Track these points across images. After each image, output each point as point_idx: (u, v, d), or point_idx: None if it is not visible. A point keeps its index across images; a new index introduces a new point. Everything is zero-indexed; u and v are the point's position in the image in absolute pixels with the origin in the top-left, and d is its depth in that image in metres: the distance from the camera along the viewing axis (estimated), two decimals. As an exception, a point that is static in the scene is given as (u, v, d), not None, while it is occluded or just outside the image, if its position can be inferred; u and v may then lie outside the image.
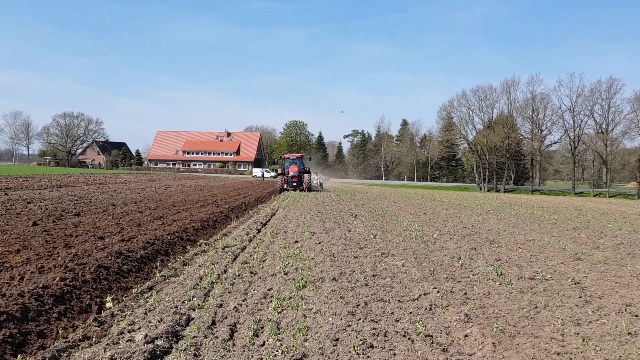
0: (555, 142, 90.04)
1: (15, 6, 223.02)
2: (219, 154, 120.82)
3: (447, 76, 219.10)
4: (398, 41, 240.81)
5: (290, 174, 38.56)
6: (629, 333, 5.93)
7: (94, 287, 7.36)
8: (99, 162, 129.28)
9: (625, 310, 6.96)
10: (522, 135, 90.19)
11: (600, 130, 78.08)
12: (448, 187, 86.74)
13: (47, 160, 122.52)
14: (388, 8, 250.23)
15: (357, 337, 5.39)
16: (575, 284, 8.67)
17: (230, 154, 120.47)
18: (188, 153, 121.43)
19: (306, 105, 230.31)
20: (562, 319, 6.46)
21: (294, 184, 38.45)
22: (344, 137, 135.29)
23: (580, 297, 7.72)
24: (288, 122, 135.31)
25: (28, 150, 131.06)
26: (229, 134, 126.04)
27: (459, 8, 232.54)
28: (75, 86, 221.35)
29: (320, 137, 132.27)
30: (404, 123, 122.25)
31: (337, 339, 5.36)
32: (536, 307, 7.06)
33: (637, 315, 6.71)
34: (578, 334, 5.92)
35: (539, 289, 8.16)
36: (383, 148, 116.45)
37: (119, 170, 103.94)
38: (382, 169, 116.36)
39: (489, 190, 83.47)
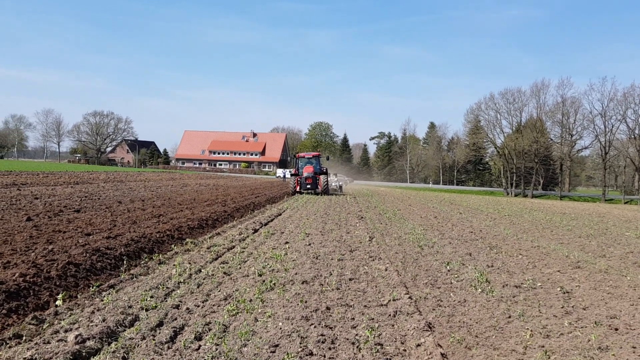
0: (585, 148, 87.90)
1: (51, 6, 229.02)
2: (244, 154, 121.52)
3: (476, 79, 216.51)
4: (427, 43, 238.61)
5: (305, 174, 34.32)
6: (599, 348, 5.52)
7: (57, 284, 7.24)
8: (128, 161, 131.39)
9: (607, 322, 6.53)
10: (551, 139, 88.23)
11: (632, 136, 75.87)
12: (474, 192, 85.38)
13: (78, 158, 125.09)
14: (418, 10, 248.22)
15: (299, 344, 5.12)
16: (564, 293, 8.22)
17: (256, 155, 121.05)
18: (214, 153, 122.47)
19: (332, 107, 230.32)
20: (532, 331, 6.07)
21: (308, 186, 34.17)
22: (370, 139, 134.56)
23: (562, 307, 7.29)
24: (313, 123, 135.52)
25: (59, 148, 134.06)
26: (254, 135, 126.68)
27: (492, 10, 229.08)
28: (108, 86, 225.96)
29: (345, 139, 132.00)
30: (432, 126, 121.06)
31: (276, 345, 5.10)
32: (509, 317, 6.67)
33: (616, 329, 6.27)
34: (543, 346, 5.53)
35: (521, 297, 7.75)
36: (409, 151, 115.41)
37: (146, 168, 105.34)
38: (407, 172, 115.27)
39: (516, 195, 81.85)
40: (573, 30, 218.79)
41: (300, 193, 34.31)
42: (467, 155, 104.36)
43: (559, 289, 8.45)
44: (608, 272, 10.27)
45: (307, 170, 34.58)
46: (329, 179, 40.74)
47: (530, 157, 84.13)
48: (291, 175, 38.09)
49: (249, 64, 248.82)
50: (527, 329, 6.14)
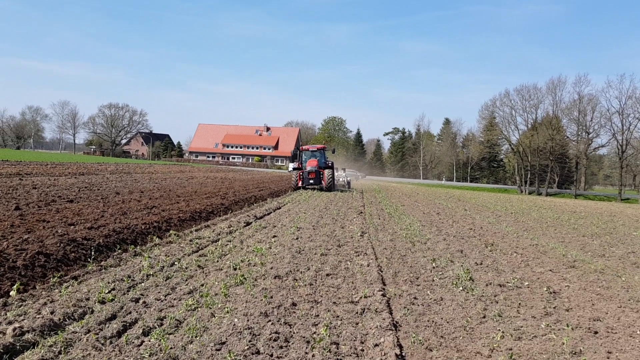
0: (602, 146, 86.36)
1: None
2: (257, 148, 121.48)
3: (493, 75, 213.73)
4: (446, 38, 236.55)
5: (308, 168, 31.52)
6: (572, 352, 5.20)
7: (23, 274, 7.06)
8: (142, 153, 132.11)
9: (587, 325, 6.19)
10: (567, 137, 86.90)
11: (650, 134, 74.37)
12: (487, 189, 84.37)
13: (93, 150, 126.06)
14: (438, 5, 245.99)
15: (248, 342, 4.87)
16: (550, 293, 7.87)
17: (269, 149, 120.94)
18: (227, 146, 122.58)
19: (347, 102, 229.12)
20: (504, 332, 5.75)
21: (311, 181, 31.32)
22: (384, 135, 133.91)
23: (544, 307, 6.96)
24: (327, 117, 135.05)
25: (74, 139, 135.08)
26: (268, 129, 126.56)
27: (512, 5, 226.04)
28: (124, 78, 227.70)
29: (359, 134, 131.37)
30: (446, 122, 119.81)
31: (223, 343, 4.85)
32: (484, 317, 6.36)
33: (595, 332, 5.94)
34: (511, 349, 5.22)
35: (502, 297, 7.42)
36: (422, 147, 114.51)
37: (159, 161, 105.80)
38: (421, 168, 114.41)
39: (530, 193, 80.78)
40: (591, 27, 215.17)
41: (304, 189, 31.45)
42: (481, 152, 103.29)
43: (545, 288, 8.10)
44: (603, 272, 9.88)
45: (310, 164, 31.83)
46: (336, 173, 38.91)
47: (545, 154, 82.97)
48: (293, 169, 34.79)
49: (264, 58, 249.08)
50: (499, 330, 5.82)
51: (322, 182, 31.62)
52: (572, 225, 20.24)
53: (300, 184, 31.73)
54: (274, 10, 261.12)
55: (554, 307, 7.00)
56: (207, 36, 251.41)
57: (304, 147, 34.55)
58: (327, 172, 32.21)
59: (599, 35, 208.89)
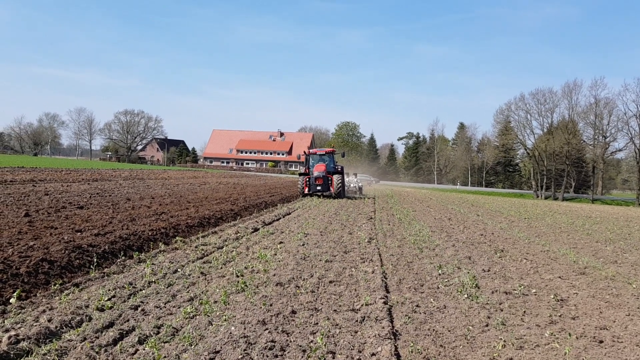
0: (619, 150, 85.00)
1: (88, 4, 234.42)
2: (271, 153, 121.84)
3: (509, 78, 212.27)
4: (461, 42, 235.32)
5: (315, 174, 29.28)
6: (574, 362, 5.07)
7: (25, 281, 7.09)
8: (158, 159, 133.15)
9: (593, 334, 6.05)
10: (583, 141, 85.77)
11: (668, 138, 73.11)
12: (502, 194, 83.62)
13: (109, 156, 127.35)
14: (453, 8, 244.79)
15: (242, 350, 4.82)
16: (557, 301, 7.73)
17: (282, 154, 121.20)
18: (241, 152, 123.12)
19: (361, 106, 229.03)
20: (505, 341, 5.64)
21: (318, 187, 29.06)
22: (398, 140, 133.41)
23: (550, 316, 6.82)
24: (340, 123, 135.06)
25: (90, 146, 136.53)
26: (282, 134, 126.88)
27: (528, 8, 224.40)
28: (141, 84, 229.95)
29: (372, 139, 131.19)
30: (461, 126, 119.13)
31: (217, 352, 4.81)
32: (487, 326, 6.24)
33: (601, 341, 5.80)
34: (511, 359, 5.11)
35: (507, 305, 7.29)
36: (436, 151, 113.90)
37: (173, 167, 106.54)
38: (435, 173, 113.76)
39: (546, 198, 79.84)
40: (608, 29, 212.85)
41: (310, 195, 29.74)
42: (496, 157, 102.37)
43: (552, 296, 7.96)
44: (614, 279, 9.69)
45: (317, 169, 29.49)
46: (346, 179, 37.37)
47: (561, 159, 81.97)
48: (299, 174, 32.16)
49: (278, 63, 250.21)
50: (501, 339, 5.71)
51: (331, 188, 29.37)
52: (586, 230, 19.94)
53: (306, 190, 29.60)
54: (289, 15, 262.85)
55: (560, 315, 6.86)
56: (222, 42, 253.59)
57: (311, 150, 32.25)
58: (336, 177, 29.67)
59: (616, 38, 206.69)
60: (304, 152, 33.30)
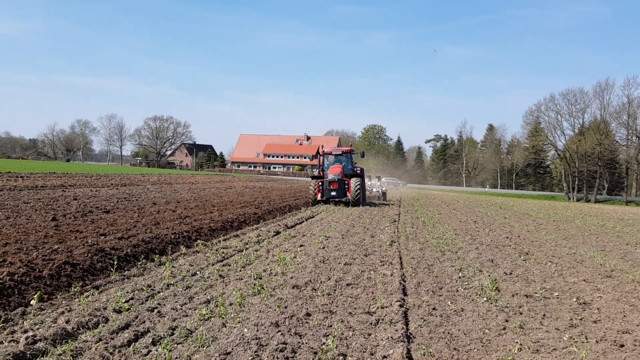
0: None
1: (121, 14, 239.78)
2: (298, 157, 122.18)
3: (538, 79, 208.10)
4: (489, 43, 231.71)
5: (329, 177, 24.98)
6: (592, 367, 4.96)
7: (48, 283, 7.27)
8: (187, 164, 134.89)
9: (614, 338, 5.90)
10: (616, 142, 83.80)
11: None
12: (532, 196, 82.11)
13: (139, 161, 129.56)
14: (480, 9, 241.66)
15: (253, 352, 4.85)
16: (579, 304, 7.56)
17: (309, 158, 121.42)
18: (268, 156, 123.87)
19: (388, 109, 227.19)
20: (522, 345, 5.54)
21: (333, 192, 24.62)
22: (426, 142, 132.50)
23: (570, 319, 6.68)
24: (367, 126, 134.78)
25: (121, 151, 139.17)
26: (308, 138, 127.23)
27: (557, 7, 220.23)
28: (169, 91, 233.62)
29: (399, 142, 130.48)
30: (490, 128, 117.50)
31: (228, 353, 4.85)
32: (504, 329, 6.14)
33: (622, 345, 5.65)
34: (526, 364, 5.02)
35: (526, 308, 7.16)
36: (465, 154, 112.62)
37: (202, 171, 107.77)
38: (463, 176, 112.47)
39: (578, 200, 78.18)
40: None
41: (324, 203, 25.49)
42: (526, 159, 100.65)
43: (575, 299, 7.79)
44: (641, 282, 9.42)
45: (333, 172, 25.12)
46: (369, 182, 34.00)
47: (593, 160, 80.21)
48: (311, 177, 27.87)
49: (305, 67, 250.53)
50: (517, 342, 5.61)
51: (348, 193, 24.85)
52: (616, 233, 19.46)
53: (319, 196, 25.33)
54: (315, 20, 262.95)
55: (581, 319, 6.71)
56: (249, 48, 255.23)
57: (325, 149, 27.32)
58: (353, 181, 24.98)
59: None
60: (318, 151, 28.50)
